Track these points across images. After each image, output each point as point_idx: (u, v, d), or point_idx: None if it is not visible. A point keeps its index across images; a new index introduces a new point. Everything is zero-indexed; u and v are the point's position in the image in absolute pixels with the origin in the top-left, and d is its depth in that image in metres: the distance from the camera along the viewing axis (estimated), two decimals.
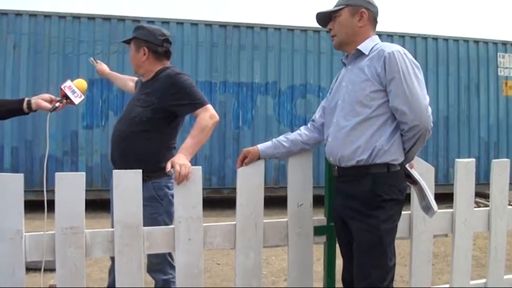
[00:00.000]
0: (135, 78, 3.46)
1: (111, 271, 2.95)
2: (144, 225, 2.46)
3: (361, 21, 2.50)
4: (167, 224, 2.78)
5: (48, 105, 2.65)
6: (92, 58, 3.91)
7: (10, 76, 8.58)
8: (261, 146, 2.66)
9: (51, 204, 2.28)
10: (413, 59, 2.38)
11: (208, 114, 2.84)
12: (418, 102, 2.28)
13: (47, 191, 2.33)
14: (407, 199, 2.45)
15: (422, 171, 2.67)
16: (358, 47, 2.48)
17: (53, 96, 2.71)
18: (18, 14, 8.70)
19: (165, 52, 3.07)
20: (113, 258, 2.92)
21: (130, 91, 3.52)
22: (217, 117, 2.88)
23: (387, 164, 2.33)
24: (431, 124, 2.35)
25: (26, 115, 2.76)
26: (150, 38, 3.02)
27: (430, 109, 2.32)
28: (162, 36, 3.06)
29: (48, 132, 2.64)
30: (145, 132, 2.89)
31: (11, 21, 8.66)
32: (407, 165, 2.45)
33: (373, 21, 2.55)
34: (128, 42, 3.12)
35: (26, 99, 2.67)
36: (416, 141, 2.36)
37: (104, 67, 3.80)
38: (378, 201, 2.29)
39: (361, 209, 2.33)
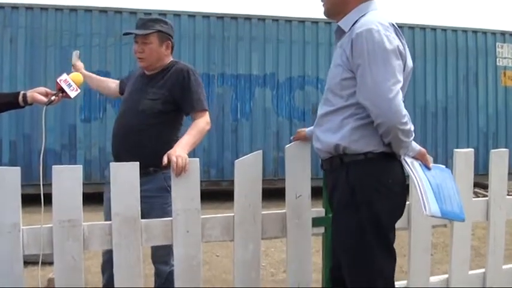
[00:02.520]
0: (117, 81, 3.44)
1: (105, 268, 2.96)
2: (154, 217, 2.51)
3: None
4: None
5: (44, 99, 2.64)
6: (77, 51, 3.61)
7: (7, 70, 8.55)
8: (308, 129, 2.61)
9: (51, 198, 2.28)
10: (390, 38, 2.01)
11: (206, 120, 2.90)
12: (381, 95, 1.96)
13: (46, 184, 2.32)
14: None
15: None
16: (339, 23, 2.19)
17: (48, 90, 2.70)
18: (15, 7, 8.66)
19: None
20: (105, 254, 2.94)
21: (113, 93, 3.45)
22: (210, 125, 2.93)
23: (364, 154, 2.08)
24: (404, 119, 2.01)
25: (22, 108, 2.76)
26: (171, 32, 3.07)
27: (397, 102, 1.98)
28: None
29: (44, 126, 2.63)
30: (157, 125, 2.91)
31: (8, 15, 8.62)
32: (408, 159, 2.19)
33: None
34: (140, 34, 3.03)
35: (22, 92, 2.66)
36: (389, 138, 2.05)
37: (81, 65, 3.52)
38: (358, 196, 2.07)
39: (339, 204, 2.17)
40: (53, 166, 2.31)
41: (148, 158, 2.57)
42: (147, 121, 2.90)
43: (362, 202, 2.07)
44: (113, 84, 3.48)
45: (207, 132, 2.91)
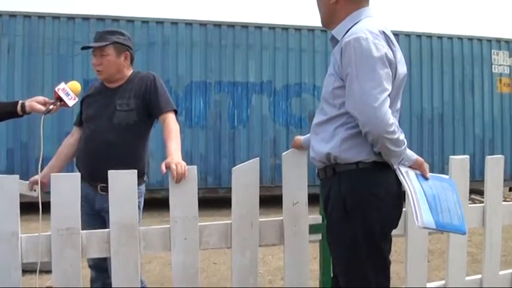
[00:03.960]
0: (73, 134, 3.20)
1: (94, 282, 2.97)
2: None
3: None
4: None
5: (42, 108, 2.65)
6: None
7: (5, 78, 8.55)
8: (303, 137, 2.62)
9: (48, 206, 2.28)
10: (378, 46, 1.98)
11: (174, 119, 2.92)
12: (367, 103, 1.94)
13: (45, 192, 2.33)
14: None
15: None
16: (333, 31, 2.18)
17: (47, 99, 2.70)
18: (12, 15, 8.66)
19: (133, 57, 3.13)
20: (92, 266, 2.95)
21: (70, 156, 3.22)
22: (178, 125, 2.91)
23: (355, 163, 2.07)
24: (391, 128, 1.97)
25: (20, 117, 2.76)
26: (129, 43, 3.07)
27: (383, 111, 1.94)
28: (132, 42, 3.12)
29: (43, 135, 2.64)
30: (133, 137, 2.93)
31: (5, 23, 8.63)
32: (403, 168, 2.16)
33: None
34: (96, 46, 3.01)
35: (20, 101, 2.66)
36: (378, 147, 2.03)
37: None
38: (349, 206, 2.05)
39: (332, 214, 2.15)
40: (51, 174, 2.33)
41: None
42: (124, 134, 2.89)
43: (354, 213, 2.06)
44: (73, 145, 3.17)
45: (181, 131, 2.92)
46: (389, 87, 2.01)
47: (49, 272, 2.34)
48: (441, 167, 9.72)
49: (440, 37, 10.44)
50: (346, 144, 2.08)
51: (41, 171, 2.60)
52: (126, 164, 2.72)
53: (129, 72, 3.06)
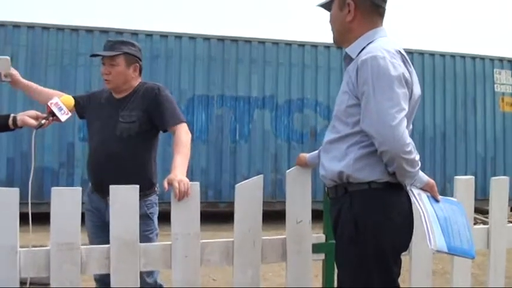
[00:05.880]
0: (57, 92, 3.16)
1: None
2: None
3: (349, 14, 2.13)
4: (156, 241, 2.79)
5: (34, 122, 2.62)
6: (6, 57, 2.97)
7: (7, 88, 8.53)
8: (309, 155, 2.59)
9: (46, 217, 2.25)
10: (396, 65, 1.97)
11: (186, 130, 2.89)
12: (384, 122, 1.92)
13: (42, 203, 2.30)
14: None
15: None
16: (347, 49, 2.16)
17: (39, 113, 2.67)
18: (16, 25, 8.70)
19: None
20: (97, 280, 2.91)
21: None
22: (190, 134, 2.91)
23: (368, 183, 2.03)
24: (408, 148, 1.95)
25: (12, 131, 2.73)
26: (139, 54, 3.06)
27: (401, 130, 1.92)
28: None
29: (34, 149, 2.61)
30: (136, 149, 2.91)
31: (9, 33, 8.66)
32: (415, 190, 2.15)
33: (370, 11, 2.13)
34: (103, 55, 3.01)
35: (12, 115, 2.64)
36: (394, 168, 2.00)
37: (16, 73, 3.02)
38: (361, 228, 2.01)
39: (342, 234, 2.10)
40: (52, 188, 2.30)
41: (132, 184, 2.49)
42: (126, 146, 2.88)
43: (365, 234, 2.02)
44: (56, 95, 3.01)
45: (191, 143, 2.88)
46: (406, 107, 1.99)
47: (47, 284, 2.30)
48: (443, 185, 9.69)
49: (442, 55, 10.47)
50: (359, 163, 2.05)
51: (31, 186, 2.55)
52: (131, 175, 2.72)
53: (136, 83, 3.05)
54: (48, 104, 2.64)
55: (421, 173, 2.16)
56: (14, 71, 2.98)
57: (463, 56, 10.57)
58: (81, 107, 3.15)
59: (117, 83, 2.97)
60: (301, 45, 9.76)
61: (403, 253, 2.20)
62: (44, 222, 2.27)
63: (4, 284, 2.21)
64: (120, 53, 2.95)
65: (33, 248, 2.31)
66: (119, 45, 2.99)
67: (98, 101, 3.11)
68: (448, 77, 10.41)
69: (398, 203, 2.09)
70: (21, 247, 2.26)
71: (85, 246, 2.36)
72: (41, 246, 4.82)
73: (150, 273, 2.85)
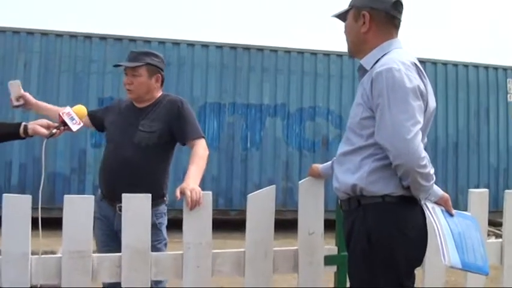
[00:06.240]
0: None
1: None
2: None
3: (364, 25, 2.12)
4: (164, 251, 2.79)
5: (45, 132, 2.62)
6: (17, 81, 3.05)
7: None
8: (322, 165, 2.57)
9: (57, 223, 2.24)
10: (411, 78, 1.96)
11: (204, 146, 2.92)
12: (399, 136, 1.90)
13: (53, 208, 2.30)
14: None
15: None
16: (361, 61, 2.15)
17: (50, 122, 2.67)
18: (30, 32, 8.78)
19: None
20: None
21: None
22: (208, 151, 2.94)
23: (381, 196, 2.01)
24: (423, 162, 1.93)
25: (23, 139, 2.74)
26: (162, 65, 3.08)
27: (416, 143, 1.91)
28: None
29: (44, 158, 2.60)
30: (152, 159, 2.93)
31: (23, 40, 8.73)
32: (429, 204, 2.12)
33: (385, 22, 2.12)
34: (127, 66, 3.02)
35: (23, 123, 2.64)
36: (408, 181, 1.98)
37: (28, 95, 3.09)
38: (374, 242, 1.99)
39: (355, 248, 2.08)
40: (64, 196, 2.30)
41: (144, 192, 2.48)
42: (142, 154, 2.90)
43: (378, 247, 1.99)
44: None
45: (207, 158, 2.90)
46: (421, 119, 1.97)
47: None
48: (455, 196, 9.60)
49: (455, 64, 10.40)
50: (373, 176, 2.03)
51: (41, 195, 2.53)
52: (143, 183, 2.72)
53: (158, 93, 3.08)
54: (60, 113, 2.65)
55: (435, 187, 2.14)
56: (25, 93, 3.06)
57: (476, 66, 10.50)
58: (99, 119, 3.19)
59: (139, 93, 3.00)
60: (314, 53, 9.74)
61: (416, 268, 2.17)
62: (54, 227, 2.27)
63: None
64: (143, 64, 2.98)
65: (45, 256, 2.31)
66: (142, 56, 3.02)
67: (117, 110, 3.14)
68: (461, 86, 10.34)
69: (412, 217, 2.06)
70: (31, 252, 2.26)
71: (96, 255, 2.36)
72: (51, 251, 4.85)
73: (159, 282, 2.84)
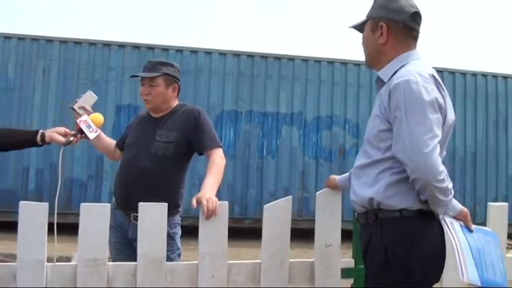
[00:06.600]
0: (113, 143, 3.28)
1: None
2: None
3: (382, 37, 2.09)
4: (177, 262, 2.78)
5: (62, 139, 2.63)
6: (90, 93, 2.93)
7: (38, 99, 8.72)
8: (339, 177, 2.55)
9: (73, 227, 2.24)
10: (429, 90, 1.92)
11: (221, 156, 2.92)
12: (417, 149, 1.86)
13: (70, 213, 2.31)
14: None
15: None
16: (379, 73, 2.12)
17: (67, 130, 2.69)
18: (49, 40, 8.90)
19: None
20: None
21: (114, 158, 3.34)
22: (225, 160, 2.94)
23: (399, 210, 1.97)
24: (440, 176, 1.90)
25: (40, 147, 2.76)
26: (178, 75, 3.10)
27: (433, 157, 1.87)
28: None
29: (62, 166, 2.61)
30: (169, 169, 2.93)
31: (42, 47, 8.85)
32: (447, 218, 2.07)
33: (403, 34, 2.09)
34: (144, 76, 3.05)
35: (41, 131, 2.66)
36: (426, 196, 1.94)
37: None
38: (391, 256, 1.95)
39: (372, 263, 2.04)
40: (81, 204, 2.30)
41: (159, 202, 2.49)
42: (159, 164, 2.90)
43: (395, 262, 1.95)
44: (111, 145, 3.29)
45: (224, 167, 2.91)
46: (439, 133, 1.94)
47: None
48: (473, 208, 9.48)
49: (474, 74, 10.32)
50: (390, 190, 1.99)
51: (57, 203, 2.52)
52: (159, 194, 2.71)
53: (174, 103, 3.09)
54: (77, 121, 2.66)
55: (454, 201, 2.09)
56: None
57: (495, 76, 10.40)
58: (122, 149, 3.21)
59: (156, 103, 3.01)
60: (331, 62, 9.74)
61: (434, 284, 2.13)
62: (70, 232, 2.27)
63: None
64: (160, 74, 2.99)
65: (60, 263, 2.31)
66: (159, 66, 3.03)
67: (136, 121, 3.18)
68: (480, 96, 10.25)
69: (430, 232, 2.02)
70: (47, 257, 2.26)
71: (112, 263, 2.36)
72: (67, 257, 4.86)
73: None
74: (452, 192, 2.01)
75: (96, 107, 2.93)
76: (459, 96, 10.10)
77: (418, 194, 1.97)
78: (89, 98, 2.88)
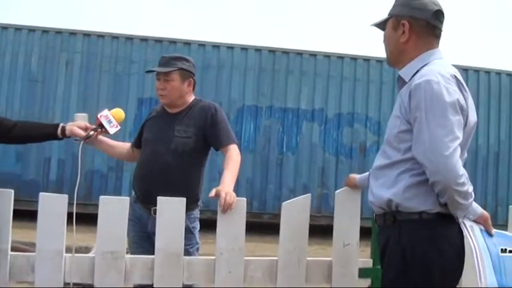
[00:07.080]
0: (128, 145, 3.25)
1: None
2: None
3: (404, 35, 2.05)
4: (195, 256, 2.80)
5: (83, 133, 2.65)
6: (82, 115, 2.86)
7: (61, 91, 8.81)
8: (359, 176, 2.53)
9: (93, 218, 2.25)
10: (450, 91, 1.88)
11: (237, 151, 2.94)
12: (437, 152, 1.83)
13: (90, 204, 2.32)
14: None
15: None
16: (400, 72, 2.09)
17: (88, 124, 2.70)
18: (73, 33, 9.00)
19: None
20: None
21: (126, 158, 3.34)
22: (240, 156, 2.95)
23: (418, 213, 1.93)
24: (461, 179, 1.85)
25: (60, 140, 2.77)
26: (193, 70, 3.09)
27: (454, 160, 1.83)
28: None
29: (81, 160, 2.61)
30: (188, 164, 2.95)
31: (65, 40, 8.93)
32: (467, 222, 2.03)
33: (425, 32, 2.04)
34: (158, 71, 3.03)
35: (61, 124, 2.68)
36: (445, 199, 1.90)
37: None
38: (409, 259, 1.92)
39: (390, 265, 2.01)
40: (100, 197, 2.32)
41: (179, 196, 2.46)
42: (179, 160, 2.91)
43: (413, 265, 1.92)
44: (124, 149, 3.25)
45: (240, 163, 2.93)
46: (460, 135, 1.90)
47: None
48: (494, 209, 9.34)
49: (498, 73, 10.17)
50: (410, 192, 1.95)
51: (76, 197, 2.51)
52: (179, 188, 2.73)
53: (190, 98, 3.08)
54: (98, 116, 2.67)
55: (474, 205, 2.05)
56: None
57: None
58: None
59: (172, 98, 3.01)
60: (353, 58, 9.67)
61: None
62: (90, 222, 2.28)
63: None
64: (175, 69, 2.98)
65: (78, 255, 2.33)
66: (173, 60, 3.01)
67: (152, 116, 3.17)
68: (504, 95, 10.09)
69: (450, 235, 1.97)
70: (66, 247, 2.29)
71: (129, 256, 2.38)
72: (86, 247, 4.90)
73: (189, 286, 2.84)
74: (473, 196, 1.97)
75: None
76: (483, 95, 9.95)
77: (438, 196, 1.93)
78: (80, 119, 2.80)
